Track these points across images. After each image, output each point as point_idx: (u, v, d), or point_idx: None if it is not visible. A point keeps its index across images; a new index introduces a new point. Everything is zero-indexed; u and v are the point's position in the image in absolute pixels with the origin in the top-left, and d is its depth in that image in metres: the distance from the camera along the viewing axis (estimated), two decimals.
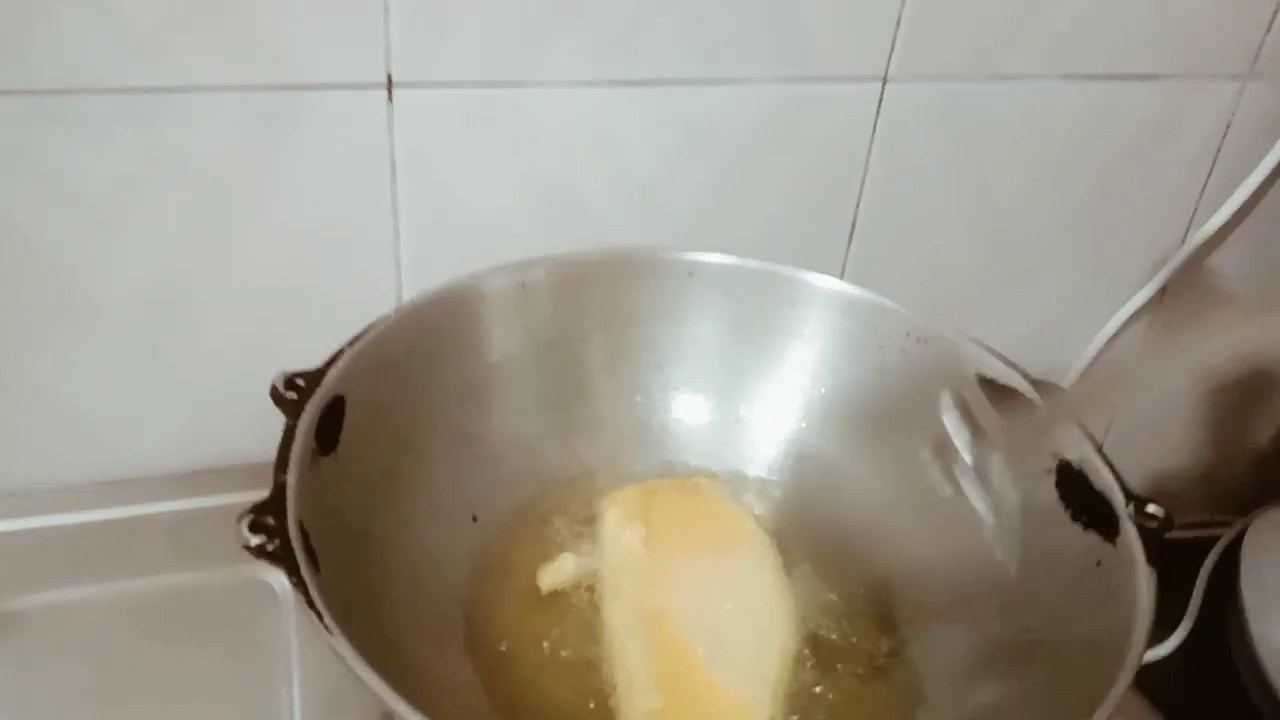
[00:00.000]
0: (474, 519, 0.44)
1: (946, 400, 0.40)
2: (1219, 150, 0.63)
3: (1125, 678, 0.31)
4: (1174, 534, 0.77)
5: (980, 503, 0.39)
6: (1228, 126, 0.63)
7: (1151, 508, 0.37)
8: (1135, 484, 0.37)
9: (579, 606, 0.42)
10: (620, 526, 0.44)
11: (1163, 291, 0.67)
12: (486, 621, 0.41)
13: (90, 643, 0.45)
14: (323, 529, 0.34)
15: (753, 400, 0.49)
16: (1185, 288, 0.68)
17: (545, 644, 0.41)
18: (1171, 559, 0.75)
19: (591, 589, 0.43)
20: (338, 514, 0.37)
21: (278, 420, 0.36)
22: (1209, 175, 0.64)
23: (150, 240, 0.49)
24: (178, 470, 0.54)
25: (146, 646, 0.45)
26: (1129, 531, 0.36)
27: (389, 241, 0.52)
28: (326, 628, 0.30)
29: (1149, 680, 0.65)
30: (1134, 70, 0.59)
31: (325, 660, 0.44)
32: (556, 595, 0.43)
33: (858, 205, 0.58)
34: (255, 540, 0.32)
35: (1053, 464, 0.40)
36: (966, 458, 0.39)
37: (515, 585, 0.43)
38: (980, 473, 0.39)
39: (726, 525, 0.45)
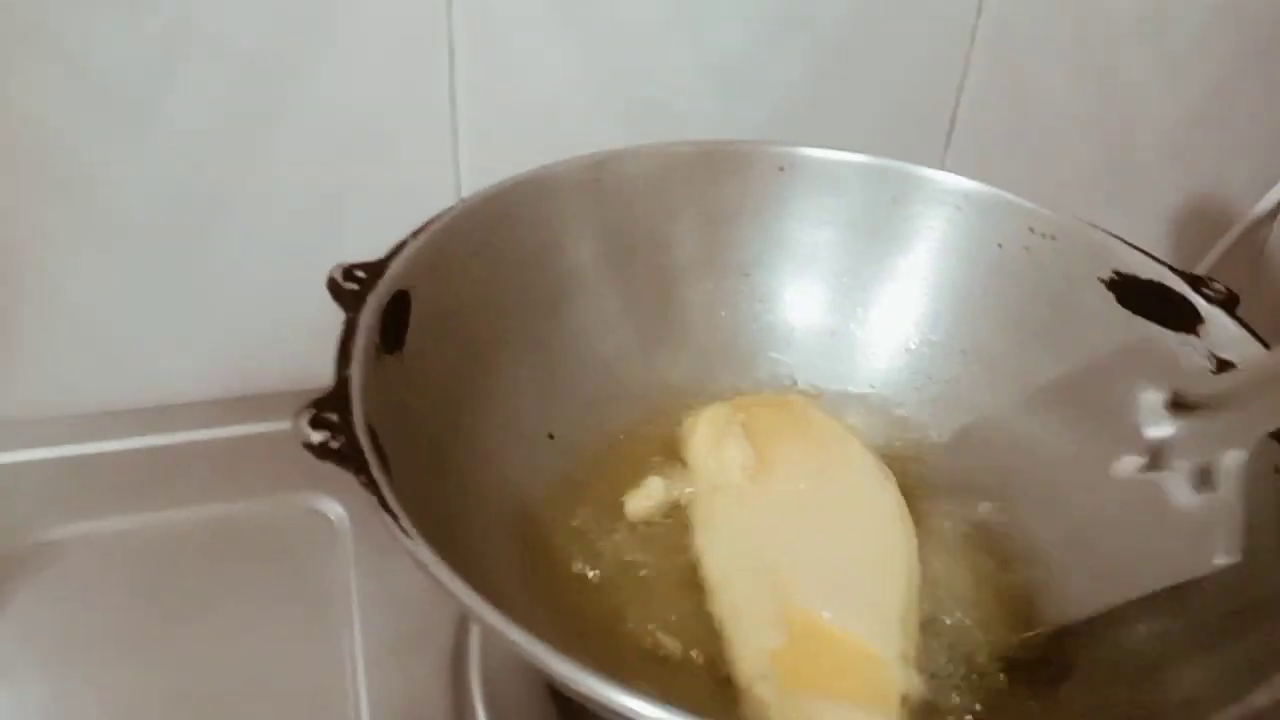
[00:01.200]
0: (550, 436, 0.40)
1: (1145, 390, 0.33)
2: None
3: None
4: None
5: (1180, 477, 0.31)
6: None
7: None
8: None
9: (672, 533, 0.38)
10: (711, 446, 0.40)
11: None
12: (568, 545, 0.37)
13: (133, 575, 0.42)
14: (393, 434, 0.30)
15: (854, 310, 0.44)
16: None
17: (643, 571, 0.37)
18: None
19: (684, 515, 0.39)
20: (405, 419, 0.32)
21: (324, 337, 0.32)
22: None
23: (183, 133, 0.45)
24: (221, 395, 0.50)
25: (192, 580, 0.42)
26: None
27: (446, 134, 0.47)
28: (404, 531, 0.26)
29: None
30: None
31: (388, 596, 0.41)
32: (646, 522, 0.39)
33: (959, 94, 0.53)
34: (318, 437, 0.27)
35: (1213, 366, 0.35)
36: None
37: (598, 509, 0.39)
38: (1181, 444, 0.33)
39: (829, 443, 0.41)
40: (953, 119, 0.54)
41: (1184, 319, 0.37)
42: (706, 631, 0.35)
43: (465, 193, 0.48)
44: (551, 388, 0.41)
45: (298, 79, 0.45)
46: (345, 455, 0.27)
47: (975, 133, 0.54)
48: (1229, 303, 0.37)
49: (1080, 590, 0.34)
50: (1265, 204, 0.61)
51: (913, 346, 0.44)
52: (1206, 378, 0.35)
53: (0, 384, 0.48)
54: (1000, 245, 0.42)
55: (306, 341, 0.39)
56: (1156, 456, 0.32)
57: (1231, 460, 0.30)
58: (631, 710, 0.23)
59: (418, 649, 0.39)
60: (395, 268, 0.34)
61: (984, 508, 0.38)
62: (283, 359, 0.50)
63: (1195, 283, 0.38)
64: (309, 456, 0.28)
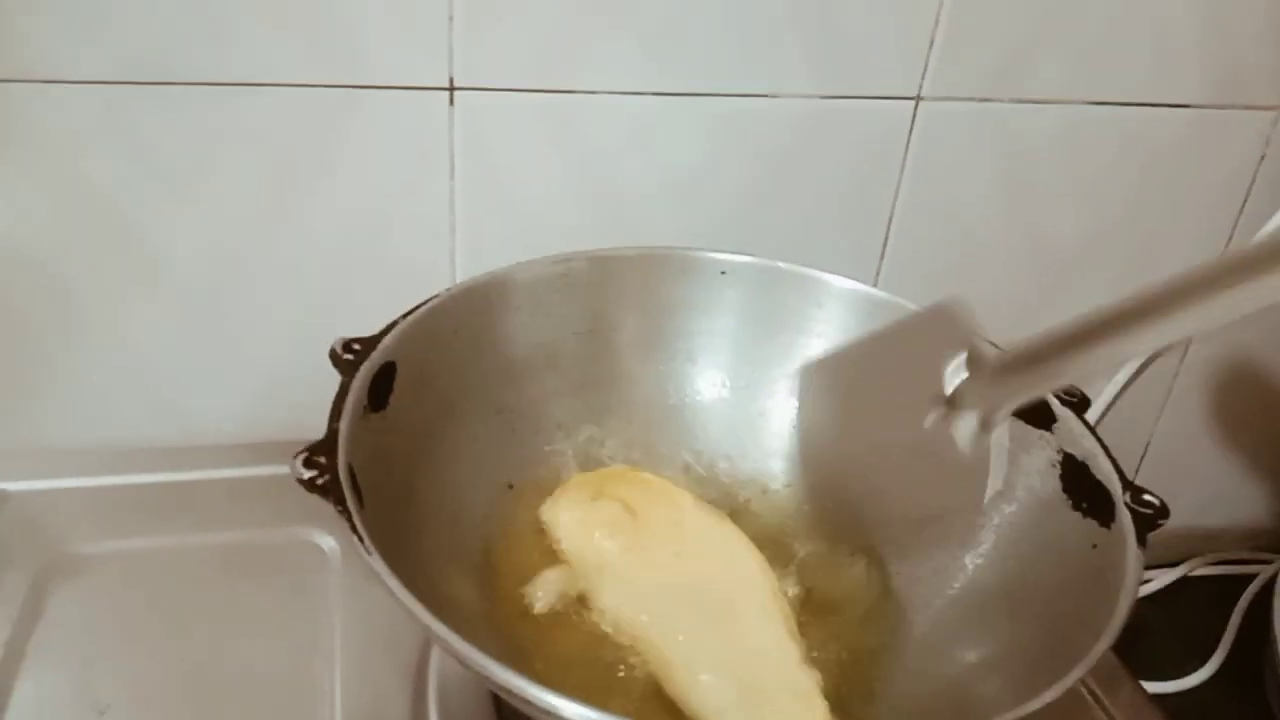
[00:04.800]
0: (509, 486, 0.47)
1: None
2: (1253, 181, 0.65)
3: (1104, 643, 0.33)
4: (1210, 570, 0.78)
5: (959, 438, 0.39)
6: (1262, 158, 0.64)
7: (1148, 496, 0.39)
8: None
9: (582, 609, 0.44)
10: (578, 531, 0.46)
11: None
12: (516, 587, 0.44)
13: (153, 588, 0.49)
14: (370, 476, 0.37)
15: (775, 393, 0.51)
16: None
17: (561, 635, 0.42)
18: (1207, 593, 0.76)
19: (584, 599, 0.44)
20: (385, 465, 0.40)
21: (331, 393, 0.39)
22: (1243, 205, 0.66)
23: (221, 210, 0.53)
24: (240, 439, 0.58)
25: (203, 594, 0.49)
26: (1124, 516, 0.38)
27: (445, 228, 0.56)
28: (366, 549, 0.33)
29: (1178, 709, 0.66)
30: (1165, 99, 0.61)
31: (366, 613, 0.48)
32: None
33: (891, 213, 0.61)
34: (308, 474, 0.35)
35: (1058, 457, 0.43)
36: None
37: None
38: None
39: (670, 501, 0.47)
40: (886, 234, 0.62)
41: (1043, 417, 0.44)
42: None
43: (460, 276, 0.57)
44: (512, 445, 0.48)
45: (320, 175, 0.53)
46: (327, 489, 0.35)
47: (908, 247, 0.62)
48: (1080, 406, 0.44)
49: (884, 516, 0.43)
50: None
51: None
52: (989, 347, 0.41)
53: (49, 415, 0.57)
54: None
55: (312, 396, 0.46)
56: (949, 408, 0.39)
57: (1001, 416, 0.38)
58: (542, 703, 0.30)
59: (387, 660, 0.46)
60: (386, 342, 0.42)
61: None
62: (291, 411, 0.57)
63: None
64: (306, 496, 0.35)
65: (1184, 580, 0.76)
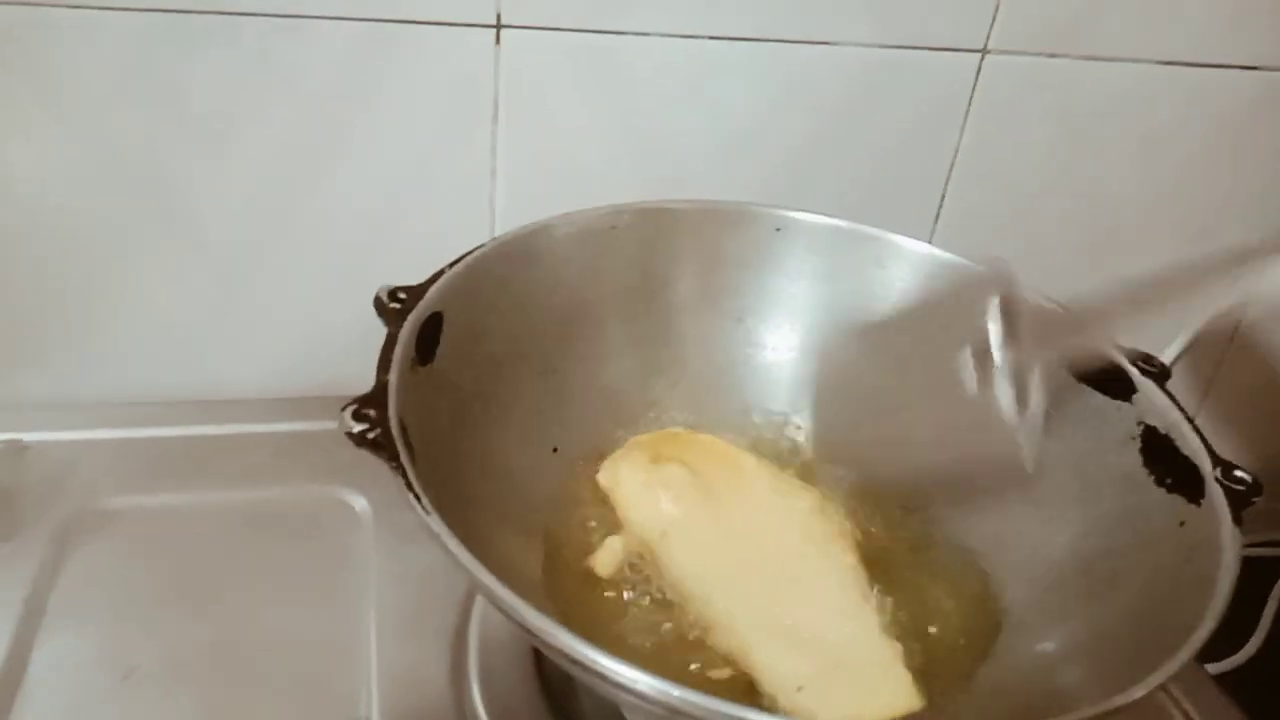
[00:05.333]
0: (554, 450, 0.45)
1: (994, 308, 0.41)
2: None
3: (1206, 628, 0.31)
4: (1248, 551, 0.76)
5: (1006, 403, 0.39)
6: None
7: (1239, 473, 0.37)
8: None
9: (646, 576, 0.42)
10: (640, 498, 0.43)
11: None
12: (563, 559, 0.42)
13: (179, 545, 0.47)
14: (420, 431, 0.35)
15: (833, 353, 0.49)
16: None
17: (624, 601, 0.41)
18: (1246, 574, 0.75)
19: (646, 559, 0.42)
20: (431, 421, 0.38)
21: (361, 351, 0.37)
22: None
23: (256, 158, 0.51)
24: (270, 393, 0.56)
25: (231, 550, 0.47)
26: (1215, 492, 0.36)
27: (485, 177, 0.53)
28: (425, 509, 0.31)
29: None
30: (1233, 60, 0.58)
31: (401, 575, 0.47)
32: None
33: (950, 169, 0.58)
34: (358, 428, 0.33)
35: (1138, 430, 0.40)
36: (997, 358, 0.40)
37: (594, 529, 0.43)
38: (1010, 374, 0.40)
39: (734, 463, 0.45)
40: (943, 192, 0.59)
41: (1122, 388, 0.42)
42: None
43: (498, 230, 0.55)
44: (559, 407, 0.46)
45: (359, 119, 0.51)
46: (379, 444, 0.33)
47: (965, 206, 0.60)
48: (1161, 376, 0.42)
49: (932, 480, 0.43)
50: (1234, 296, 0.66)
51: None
52: (1029, 317, 0.41)
53: (83, 370, 0.55)
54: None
55: (346, 353, 0.44)
56: (988, 375, 0.40)
57: (1036, 377, 0.39)
58: (592, 662, 0.28)
59: (425, 622, 0.45)
60: (433, 292, 0.40)
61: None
62: (324, 367, 0.55)
63: (1133, 357, 0.43)
64: (339, 453, 0.33)
65: None
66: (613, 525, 0.43)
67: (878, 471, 0.46)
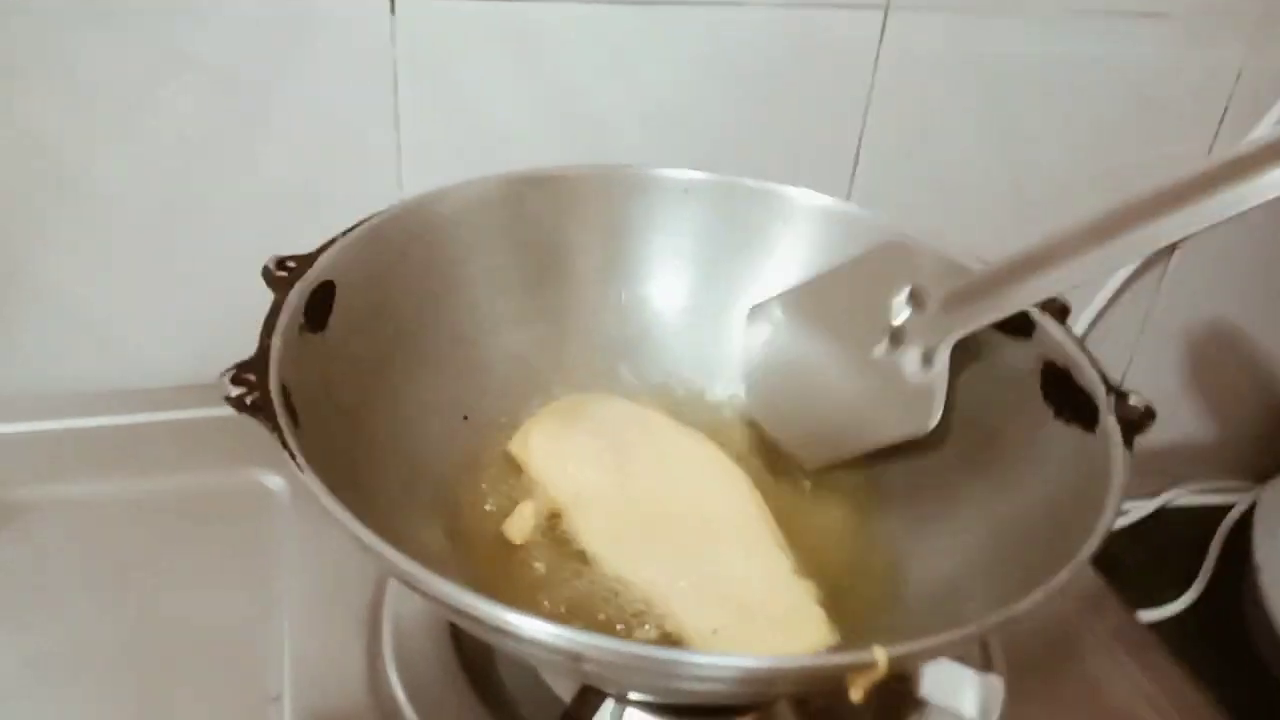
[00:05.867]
0: (465, 418, 0.45)
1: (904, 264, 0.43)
2: (1230, 96, 0.63)
3: (1093, 543, 0.31)
4: (1188, 500, 0.77)
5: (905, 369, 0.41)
6: (1239, 73, 0.62)
7: (1133, 399, 0.37)
8: (1146, 445, 0.37)
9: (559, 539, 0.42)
10: (554, 460, 0.44)
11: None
12: (475, 526, 0.42)
13: (91, 534, 0.47)
14: (311, 400, 0.35)
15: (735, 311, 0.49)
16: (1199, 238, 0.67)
17: (538, 565, 0.41)
18: (1185, 523, 0.75)
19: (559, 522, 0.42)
20: (327, 389, 0.37)
21: None
22: (1220, 122, 0.64)
23: (160, 142, 0.50)
24: (184, 379, 0.55)
25: (146, 538, 0.47)
26: (1109, 421, 0.36)
27: (391, 151, 0.53)
28: (299, 466, 0.30)
29: (1158, 639, 0.65)
30: (1145, 8, 0.59)
31: (318, 557, 0.46)
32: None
33: (862, 131, 0.58)
34: (236, 392, 0.33)
35: (1037, 366, 0.41)
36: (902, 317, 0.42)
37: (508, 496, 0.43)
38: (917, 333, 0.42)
39: (642, 425, 0.46)
40: (856, 152, 0.59)
41: (1020, 325, 0.42)
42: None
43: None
44: (469, 376, 0.45)
45: (261, 97, 0.50)
46: (257, 407, 0.32)
47: (880, 166, 0.60)
48: (1060, 314, 0.42)
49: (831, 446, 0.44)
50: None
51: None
52: (938, 280, 0.42)
53: None
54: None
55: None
56: (896, 340, 0.42)
57: (944, 346, 0.41)
58: (479, 613, 0.27)
59: (340, 602, 0.44)
60: (323, 260, 0.39)
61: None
62: (240, 350, 0.54)
63: None
64: (256, 438, 0.32)
65: (1162, 511, 0.75)
66: (526, 493, 0.43)
67: (786, 435, 0.46)
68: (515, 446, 0.45)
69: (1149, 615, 0.67)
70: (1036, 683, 0.44)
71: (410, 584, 0.29)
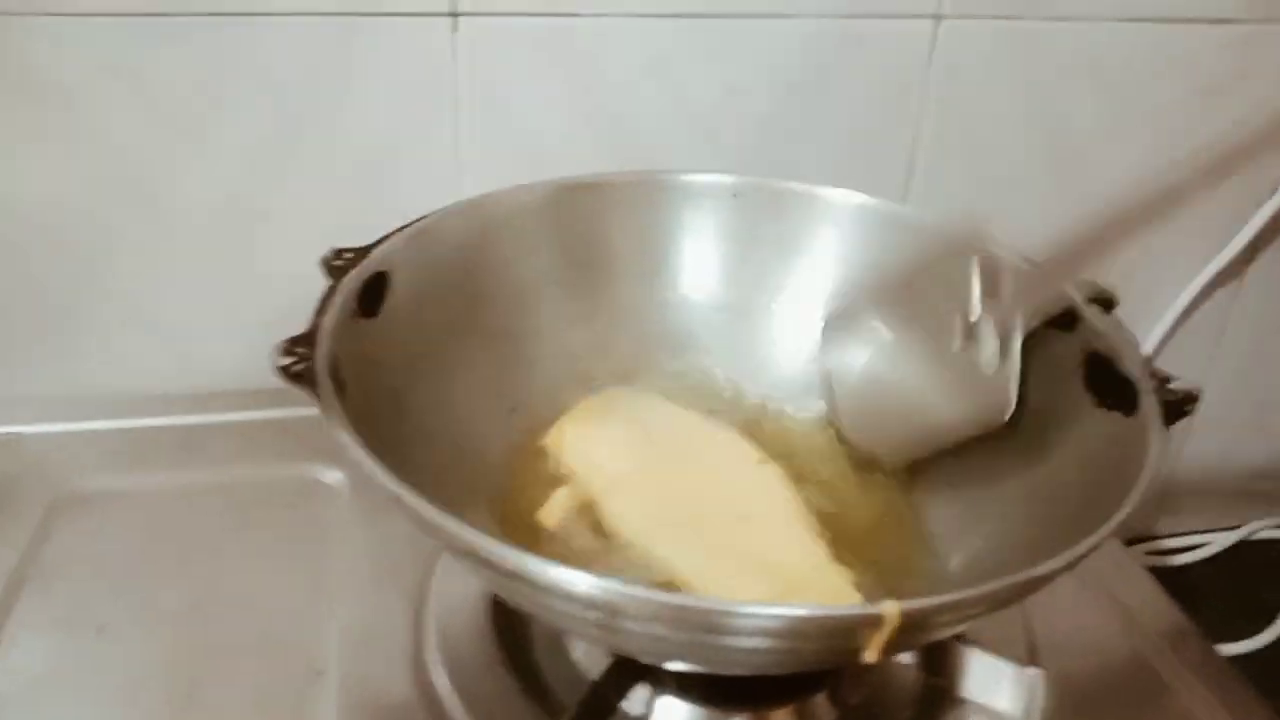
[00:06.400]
0: (512, 410, 0.46)
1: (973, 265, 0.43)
2: None
3: (1120, 514, 0.30)
4: (1271, 533, 0.74)
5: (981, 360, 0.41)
6: None
7: (1175, 383, 0.36)
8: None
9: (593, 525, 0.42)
10: (585, 455, 0.44)
11: (1253, 247, 0.65)
12: (511, 511, 0.43)
13: (156, 521, 0.49)
14: (358, 374, 0.37)
15: (787, 317, 0.50)
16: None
17: (572, 547, 0.41)
18: (1267, 556, 0.72)
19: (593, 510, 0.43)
20: (376, 370, 0.39)
21: None
22: None
23: (226, 155, 0.53)
24: (249, 383, 0.57)
25: (210, 526, 0.49)
26: (1148, 403, 0.35)
27: (450, 163, 0.55)
28: (340, 429, 0.32)
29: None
30: (1200, 14, 0.58)
31: (366, 544, 0.48)
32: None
33: (915, 138, 0.59)
34: (285, 361, 0.34)
35: (1081, 356, 0.40)
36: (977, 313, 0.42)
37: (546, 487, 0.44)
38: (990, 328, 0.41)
39: (678, 419, 0.46)
40: (910, 161, 0.59)
41: (1067, 318, 0.42)
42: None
43: None
44: (515, 370, 0.47)
45: (324, 110, 0.53)
46: (304, 377, 0.34)
47: (935, 174, 0.60)
48: (1106, 304, 0.42)
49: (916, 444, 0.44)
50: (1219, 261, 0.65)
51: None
52: (1009, 274, 0.43)
53: (66, 364, 0.57)
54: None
55: None
56: (969, 335, 0.42)
57: (1017, 337, 0.41)
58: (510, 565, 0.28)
59: (388, 585, 0.46)
60: (378, 252, 0.42)
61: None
62: None
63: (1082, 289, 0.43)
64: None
65: (1243, 543, 0.73)
66: (562, 483, 0.44)
67: (872, 437, 0.46)
68: (552, 439, 0.46)
69: (1230, 649, 0.64)
70: (1117, 718, 0.43)
71: (447, 542, 0.30)
